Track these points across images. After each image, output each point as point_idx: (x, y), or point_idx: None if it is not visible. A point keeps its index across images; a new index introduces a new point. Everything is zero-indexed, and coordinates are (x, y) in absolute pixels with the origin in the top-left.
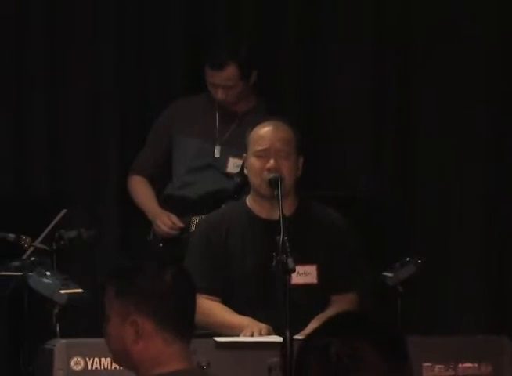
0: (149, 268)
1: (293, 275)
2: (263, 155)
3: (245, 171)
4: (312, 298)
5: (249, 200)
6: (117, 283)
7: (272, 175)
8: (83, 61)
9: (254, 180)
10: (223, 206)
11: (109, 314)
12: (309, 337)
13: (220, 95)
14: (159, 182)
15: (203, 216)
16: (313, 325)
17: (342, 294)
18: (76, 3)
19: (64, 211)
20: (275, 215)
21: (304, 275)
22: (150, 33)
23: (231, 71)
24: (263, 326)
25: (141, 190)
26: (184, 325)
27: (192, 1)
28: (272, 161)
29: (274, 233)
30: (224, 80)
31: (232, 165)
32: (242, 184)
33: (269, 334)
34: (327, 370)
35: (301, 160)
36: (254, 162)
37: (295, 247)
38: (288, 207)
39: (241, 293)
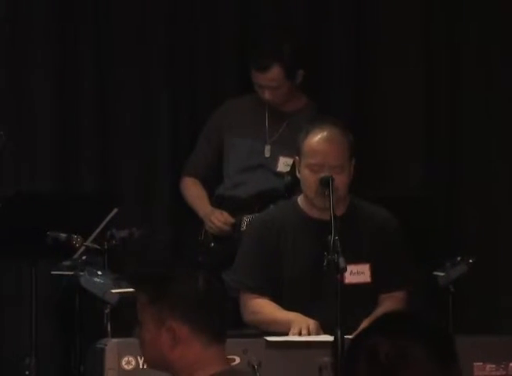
0: (181, 274)
1: (347, 274)
2: (316, 170)
3: (297, 174)
4: (364, 297)
5: (300, 200)
6: (151, 288)
7: (323, 175)
8: (133, 62)
9: (307, 191)
10: (271, 206)
11: (143, 320)
12: (358, 336)
13: (267, 95)
14: (211, 182)
15: (254, 215)
16: (364, 325)
17: (391, 293)
18: (126, 1)
19: (115, 210)
20: (327, 214)
21: (358, 274)
22: (202, 33)
23: (276, 72)
24: (311, 321)
25: (193, 191)
26: (219, 328)
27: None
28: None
29: (325, 232)
30: (269, 81)
31: (283, 164)
32: (292, 183)
33: (317, 329)
34: (376, 370)
35: (353, 162)
36: (307, 174)
37: (347, 247)
38: (340, 207)
39: (291, 292)
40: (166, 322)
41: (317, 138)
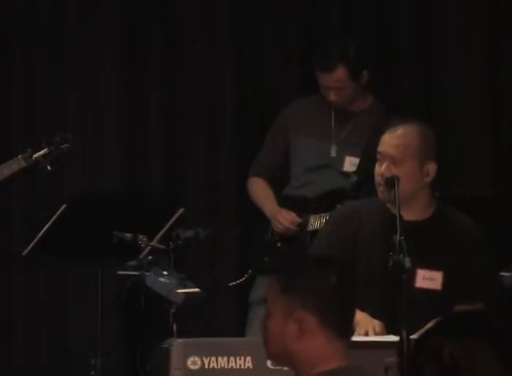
0: (314, 266)
1: (419, 278)
2: (380, 158)
3: None
4: (435, 304)
5: None
6: (284, 278)
7: (389, 175)
8: (200, 62)
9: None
10: (338, 206)
11: (272, 310)
12: (422, 337)
13: (332, 96)
14: (278, 182)
15: (320, 215)
16: (430, 325)
17: (468, 305)
18: (192, 3)
19: (181, 210)
20: (412, 215)
21: (430, 280)
22: (268, 33)
23: (340, 73)
24: (376, 322)
25: (260, 191)
26: (345, 324)
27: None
28: (383, 167)
29: (410, 233)
30: (334, 82)
31: (349, 164)
32: (359, 183)
33: (382, 330)
34: (441, 371)
35: (430, 166)
36: (376, 164)
37: (426, 251)
38: (421, 210)
39: (363, 289)
40: (295, 312)
41: (390, 131)
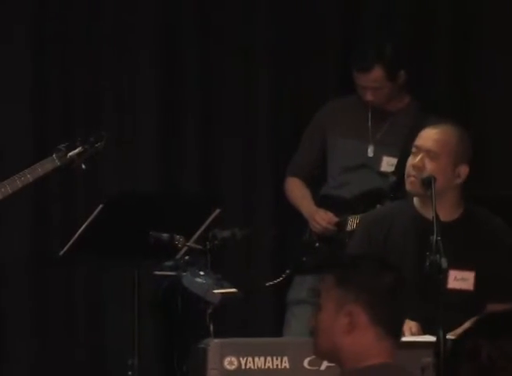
0: (372, 263)
1: (451, 279)
2: (415, 151)
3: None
4: (468, 304)
5: (416, 200)
6: (340, 271)
7: (425, 175)
8: (236, 62)
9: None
10: (378, 206)
11: (324, 303)
12: (460, 338)
13: (368, 96)
14: (315, 182)
15: (358, 215)
16: (466, 325)
17: (500, 304)
18: (227, 7)
19: (218, 210)
20: (441, 216)
21: (462, 281)
22: (305, 32)
23: (377, 73)
24: (413, 324)
25: (297, 191)
26: (396, 323)
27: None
28: (417, 158)
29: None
30: (371, 82)
31: (386, 164)
32: (397, 183)
33: (419, 331)
34: (478, 372)
35: (463, 168)
36: (410, 157)
37: (457, 252)
38: (449, 211)
39: None
40: (346, 306)
41: (429, 127)
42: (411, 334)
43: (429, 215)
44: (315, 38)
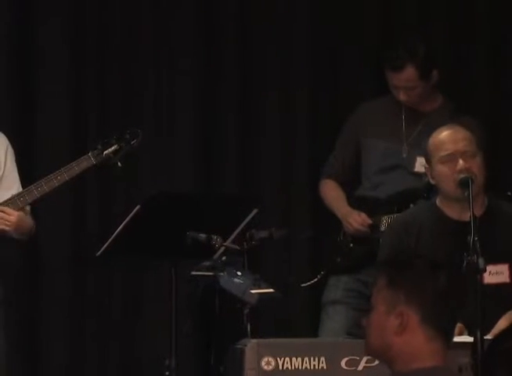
0: (424, 263)
1: (486, 275)
2: (449, 159)
3: (430, 180)
4: (504, 297)
5: (439, 201)
6: (392, 272)
7: (462, 176)
8: (274, 60)
9: (445, 186)
10: (411, 206)
11: (376, 303)
12: (497, 338)
13: (402, 96)
14: (350, 184)
15: (393, 216)
16: (502, 323)
17: None
18: (266, 6)
19: (255, 210)
20: (466, 215)
21: (497, 274)
22: (343, 32)
23: (410, 72)
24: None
25: (331, 193)
26: (448, 325)
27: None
28: (461, 162)
29: (464, 233)
30: (404, 81)
31: (420, 165)
32: (431, 183)
33: (461, 332)
34: None
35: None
36: (441, 169)
37: (486, 247)
38: (479, 207)
39: None
40: (398, 307)
41: (442, 133)
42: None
43: (452, 214)
44: (353, 39)
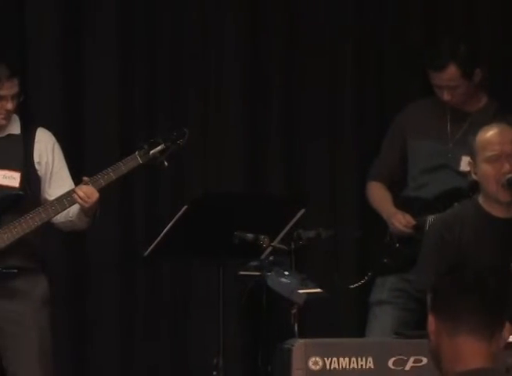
0: (469, 272)
1: None
2: (495, 160)
3: (473, 176)
4: None
5: (482, 199)
6: (437, 279)
7: (509, 175)
8: (320, 61)
9: (489, 187)
10: (455, 205)
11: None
12: None
13: (445, 96)
14: (398, 185)
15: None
16: None
17: None
18: (313, 6)
19: (302, 210)
20: (508, 212)
21: None
22: (389, 33)
23: (452, 71)
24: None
25: (377, 194)
26: (491, 324)
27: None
28: (507, 166)
29: (510, 232)
30: (446, 81)
31: (465, 164)
32: (476, 182)
33: (509, 332)
34: None
35: None
36: (486, 169)
37: None
38: None
39: None
40: (433, 309)
41: (489, 132)
42: None
43: (498, 212)
44: (399, 38)
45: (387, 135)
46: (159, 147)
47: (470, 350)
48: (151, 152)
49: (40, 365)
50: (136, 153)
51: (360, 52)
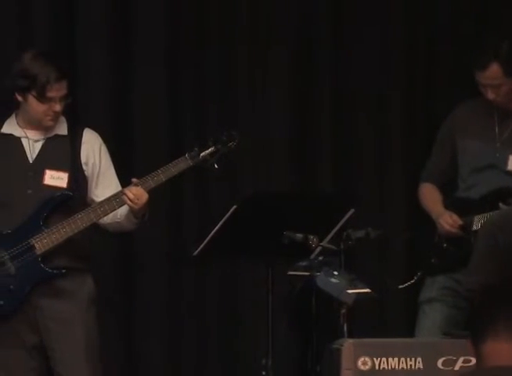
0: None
1: None
2: None
3: None
4: None
5: None
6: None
7: None
8: (369, 62)
9: None
10: (502, 206)
11: None
12: None
13: (490, 95)
14: (449, 186)
15: (486, 215)
16: None
17: None
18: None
19: (352, 210)
20: None
21: None
22: (439, 33)
23: (494, 70)
24: None
25: (427, 196)
26: None
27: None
28: None
29: None
30: (489, 79)
31: None
32: None
33: None
34: None
35: None
36: None
37: None
38: None
39: None
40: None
41: None
42: None
43: None
44: (450, 38)
45: (438, 135)
46: (209, 150)
47: (501, 348)
48: (201, 154)
49: (87, 365)
50: (186, 155)
51: (407, 51)
